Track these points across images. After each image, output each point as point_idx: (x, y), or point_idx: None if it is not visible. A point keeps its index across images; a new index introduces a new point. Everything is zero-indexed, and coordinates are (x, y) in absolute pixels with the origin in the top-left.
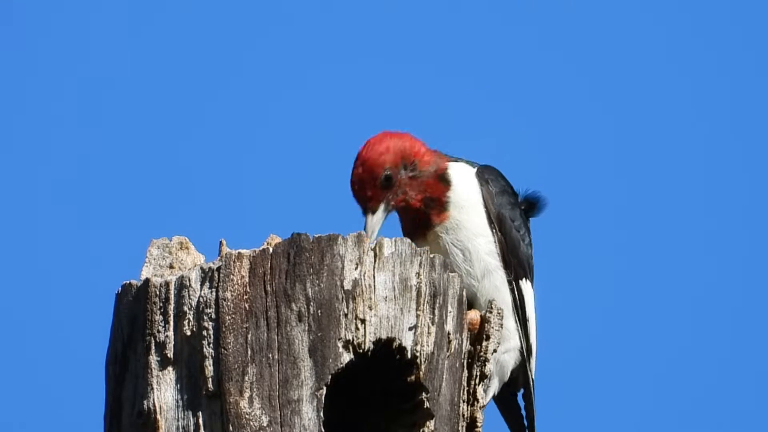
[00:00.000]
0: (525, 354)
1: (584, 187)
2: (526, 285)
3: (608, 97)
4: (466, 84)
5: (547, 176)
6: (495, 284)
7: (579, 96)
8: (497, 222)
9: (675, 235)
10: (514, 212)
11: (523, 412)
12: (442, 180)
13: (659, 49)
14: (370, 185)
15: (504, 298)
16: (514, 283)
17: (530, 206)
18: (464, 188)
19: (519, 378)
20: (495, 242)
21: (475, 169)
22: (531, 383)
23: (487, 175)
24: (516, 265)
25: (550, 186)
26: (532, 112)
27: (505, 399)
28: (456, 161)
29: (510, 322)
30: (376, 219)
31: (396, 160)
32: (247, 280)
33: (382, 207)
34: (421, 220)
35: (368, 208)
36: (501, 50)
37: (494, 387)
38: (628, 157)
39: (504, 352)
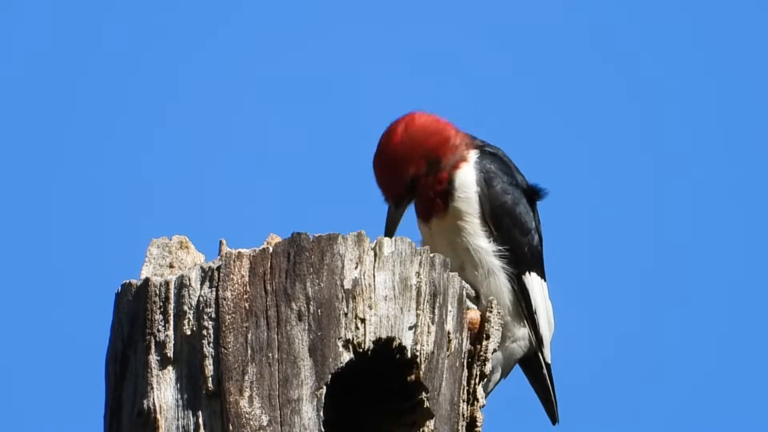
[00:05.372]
0: (536, 344)
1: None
2: (530, 277)
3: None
4: (463, 76)
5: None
6: (498, 283)
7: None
8: (493, 221)
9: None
10: (515, 206)
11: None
12: (451, 177)
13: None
14: (393, 185)
15: (507, 296)
16: (516, 278)
17: (530, 197)
18: (465, 185)
19: (533, 365)
20: (494, 240)
21: (474, 162)
22: (544, 368)
23: (488, 167)
24: (518, 261)
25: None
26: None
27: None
28: (482, 146)
29: (515, 317)
30: (399, 211)
31: (420, 164)
32: (247, 279)
33: (405, 200)
34: (429, 208)
35: (391, 201)
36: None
37: (495, 381)
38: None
39: (512, 342)
